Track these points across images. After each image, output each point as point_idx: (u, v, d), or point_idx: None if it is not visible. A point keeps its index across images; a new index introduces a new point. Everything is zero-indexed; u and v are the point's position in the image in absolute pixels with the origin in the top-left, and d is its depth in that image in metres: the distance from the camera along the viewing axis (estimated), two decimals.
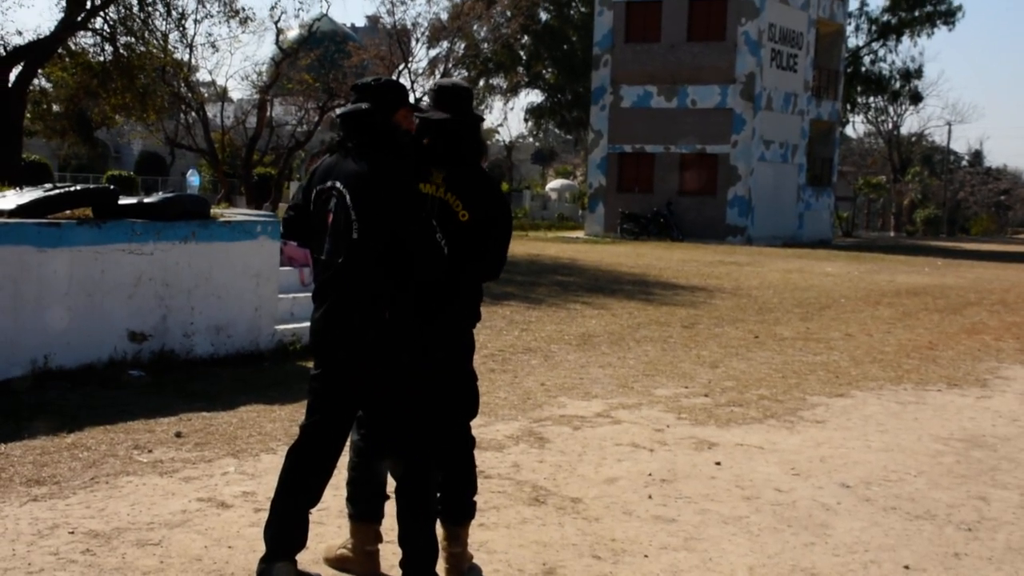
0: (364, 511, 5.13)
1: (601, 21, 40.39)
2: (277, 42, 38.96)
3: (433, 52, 42.73)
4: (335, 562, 5.19)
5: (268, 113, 38.57)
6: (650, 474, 7.10)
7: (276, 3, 37.75)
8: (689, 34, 38.68)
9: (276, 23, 38.14)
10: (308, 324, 10.97)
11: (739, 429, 8.58)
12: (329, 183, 4.77)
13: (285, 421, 8.11)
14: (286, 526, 4.77)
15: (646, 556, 5.57)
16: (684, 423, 8.61)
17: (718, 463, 7.49)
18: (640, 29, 39.41)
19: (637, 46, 39.41)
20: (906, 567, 5.58)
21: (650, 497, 6.56)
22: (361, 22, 61.89)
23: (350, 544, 5.18)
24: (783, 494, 6.80)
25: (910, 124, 71.26)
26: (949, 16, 64.89)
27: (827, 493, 6.86)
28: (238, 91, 55.29)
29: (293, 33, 41.83)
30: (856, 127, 77.31)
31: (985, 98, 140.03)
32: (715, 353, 12.19)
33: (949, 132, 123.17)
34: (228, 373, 9.91)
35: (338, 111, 5.51)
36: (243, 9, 33.73)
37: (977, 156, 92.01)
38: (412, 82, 40.65)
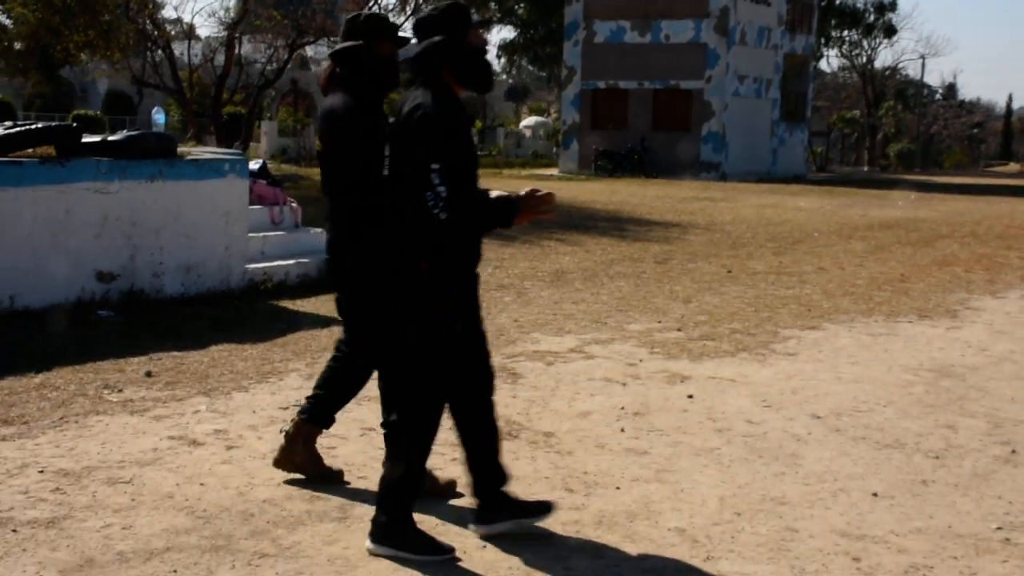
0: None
1: None
2: None
3: None
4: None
5: (236, 51, 38.13)
6: (623, 408, 7.15)
7: None
8: None
9: None
10: (279, 263, 11.06)
11: (711, 362, 8.64)
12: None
13: (256, 360, 8.12)
14: None
15: (618, 488, 5.61)
16: (657, 357, 8.66)
17: (690, 396, 7.55)
18: None
19: None
20: (874, 495, 5.63)
21: (622, 430, 6.61)
22: None
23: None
24: (754, 426, 6.86)
25: (884, 58, 71.82)
26: None
27: (798, 424, 6.92)
28: (205, 28, 54.64)
29: None
30: (830, 61, 77.21)
31: (958, 31, 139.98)
32: (688, 288, 12.23)
33: (923, 66, 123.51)
34: (198, 312, 9.88)
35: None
36: None
37: (951, 89, 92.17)
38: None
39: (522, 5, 55.12)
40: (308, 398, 5.60)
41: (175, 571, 4.42)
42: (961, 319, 11.00)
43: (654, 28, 38.43)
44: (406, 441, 4.75)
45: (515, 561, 4.64)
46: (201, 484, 5.45)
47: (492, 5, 54.25)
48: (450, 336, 4.69)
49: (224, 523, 4.92)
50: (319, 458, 5.57)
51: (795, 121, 44.10)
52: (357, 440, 6.28)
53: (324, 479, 5.50)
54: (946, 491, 5.76)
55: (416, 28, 4.70)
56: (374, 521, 4.68)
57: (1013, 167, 70.20)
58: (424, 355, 4.71)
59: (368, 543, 4.67)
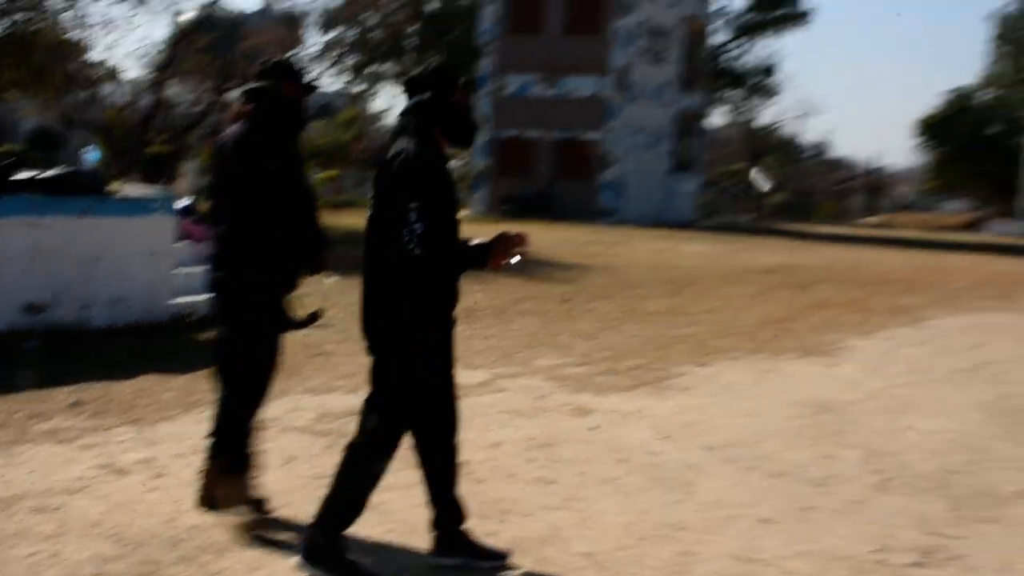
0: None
1: (486, 12, 40.48)
2: (172, 23, 38.02)
3: (326, 38, 42.18)
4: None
5: (163, 93, 37.62)
6: (532, 439, 7.16)
7: None
8: (568, 28, 38.98)
9: (172, 5, 37.27)
10: (204, 297, 10.81)
11: (614, 396, 8.69)
12: None
13: (182, 390, 7.97)
14: None
15: (528, 515, 5.61)
16: (563, 391, 8.69)
17: (594, 428, 7.58)
18: (523, 21, 39.60)
19: (520, 37, 39.59)
20: (764, 520, 5.72)
21: (532, 461, 6.61)
22: (257, 6, 60.72)
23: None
24: (653, 456, 6.91)
25: (766, 116, 73.43)
26: (801, 18, 66.50)
27: (693, 455, 6.98)
28: (134, 70, 53.77)
29: (189, 15, 40.84)
30: (718, 118, 78.56)
31: (832, 94, 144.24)
32: (591, 326, 12.32)
33: (800, 124, 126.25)
34: (125, 344, 9.68)
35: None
36: None
37: (824, 147, 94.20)
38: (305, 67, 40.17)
39: (436, 57, 55.34)
40: (210, 435, 5.48)
41: None
42: (837, 357, 11.21)
43: (560, 83, 38.97)
44: (362, 470, 4.69)
45: None
46: (129, 512, 5.32)
47: (408, 57, 54.35)
48: (428, 380, 4.66)
49: (152, 550, 4.80)
50: (244, 490, 5.43)
51: (686, 172, 44.77)
52: (279, 469, 6.18)
53: (248, 508, 5.37)
54: (827, 517, 5.85)
55: (407, 84, 4.71)
56: (309, 539, 4.61)
57: (877, 219, 72.08)
58: (402, 395, 4.67)
59: (299, 559, 4.59)
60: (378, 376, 4.70)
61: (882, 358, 11.39)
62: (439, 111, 4.59)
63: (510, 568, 4.87)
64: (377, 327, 4.63)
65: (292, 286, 5.44)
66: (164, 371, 8.62)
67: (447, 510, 4.88)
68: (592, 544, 5.24)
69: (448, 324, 4.75)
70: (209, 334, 10.20)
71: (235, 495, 5.36)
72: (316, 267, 5.61)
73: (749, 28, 66.28)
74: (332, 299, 12.59)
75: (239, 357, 5.32)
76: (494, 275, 16.88)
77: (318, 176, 49.05)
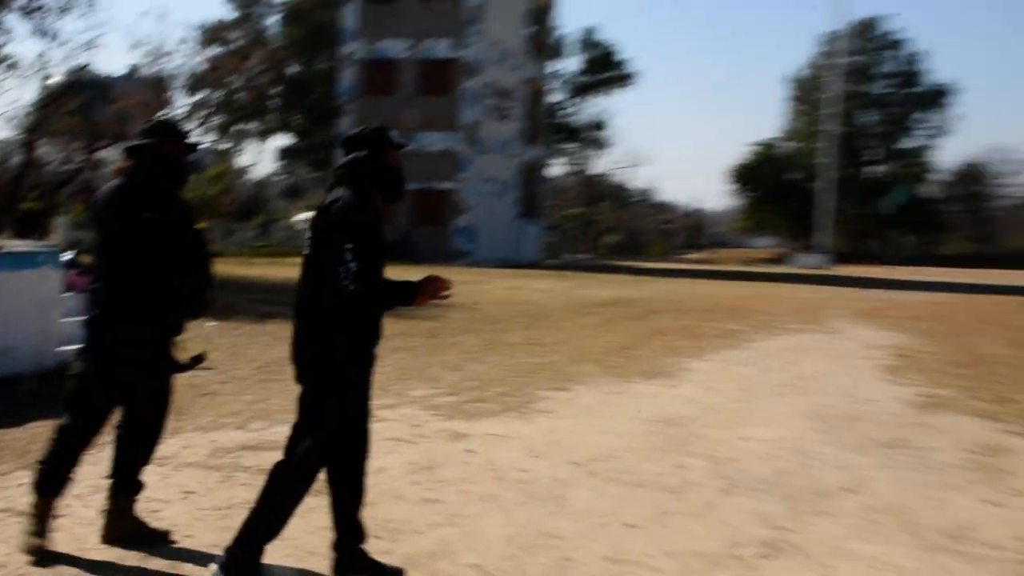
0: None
1: (345, 76, 40.38)
2: (42, 87, 36.61)
3: (192, 100, 41.32)
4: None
5: (33, 153, 36.20)
6: (414, 463, 7.12)
7: (43, 52, 35.63)
8: (421, 89, 39.22)
9: (41, 70, 35.86)
10: None
11: (484, 421, 8.71)
12: None
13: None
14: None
15: (419, 533, 5.60)
16: (438, 419, 8.65)
17: (470, 451, 7.58)
18: (379, 84, 39.67)
19: (376, 98, 39.60)
20: (629, 525, 5.83)
21: (416, 483, 6.58)
22: (125, 70, 58.98)
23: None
24: (526, 473, 6.96)
25: (599, 165, 74.91)
26: (627, 79, 68.50)
27: (560, 470, 7.05)
28: (3, 132, 51.53)
29: (57, 79, 39.43)
30: (557, 168, 79.98)
31: (657, 145, 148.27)
32: (457, 358, 12.32)
33: (629, 172, 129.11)
34: (15, 393, 9.25)
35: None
36: (8, 56, 31.57)
37: (651, 192, 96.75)
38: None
39: (299, 117, 54.80)
40: (110, 476, 5.35)
41: None
42: (677, 378, 11.45)
43: (415, 139, 39.07)
44: (286, 491, 4.66)
45: None
46: None
47: (272, 116, 53.66)
48: (349, 408, 4.69)
49: None
50: (142, 523, 5.34)
51: (531, 216, 45.34)
52: (179, 503, 6.02)
53: (152, 541, 5.25)
54: (684, 519, 6.01)
55: (345, 142, 4.79)
56: (229, 552, 4.54)
57: (699, 255, 74.17)
58: (334, 425, 4.67)
59: (214, 567, 4.53)
60: (310, 405, 4.68)
61: (716, 377, 11.68)
62: (374, 168, 4.68)
63: None
64: (310, 360, 4.64)
65: (176, 332, 5.35)
66: (54, 417, 8.25)
67: (351, 531, 4.87)
68: (479, 556, 5.26)
69: (372, 358, 4.80)
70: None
71: (137, 529, 5.28)
72: (197, 314, 5.56)
73: (582, 88, 67.99)
74: (213, 342, 12.38)
75: (136, 402, 5.28)
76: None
77: None
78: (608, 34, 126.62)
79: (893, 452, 7.98)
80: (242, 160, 64.07)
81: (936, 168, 74.71)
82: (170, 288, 5.16)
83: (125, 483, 5.30)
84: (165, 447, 6.16)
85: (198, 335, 13.10)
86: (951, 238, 77.49)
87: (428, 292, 4.71)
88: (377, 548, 5.17)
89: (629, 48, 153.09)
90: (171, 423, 5.83)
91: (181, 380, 9.00)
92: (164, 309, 5.16)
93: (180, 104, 40.38)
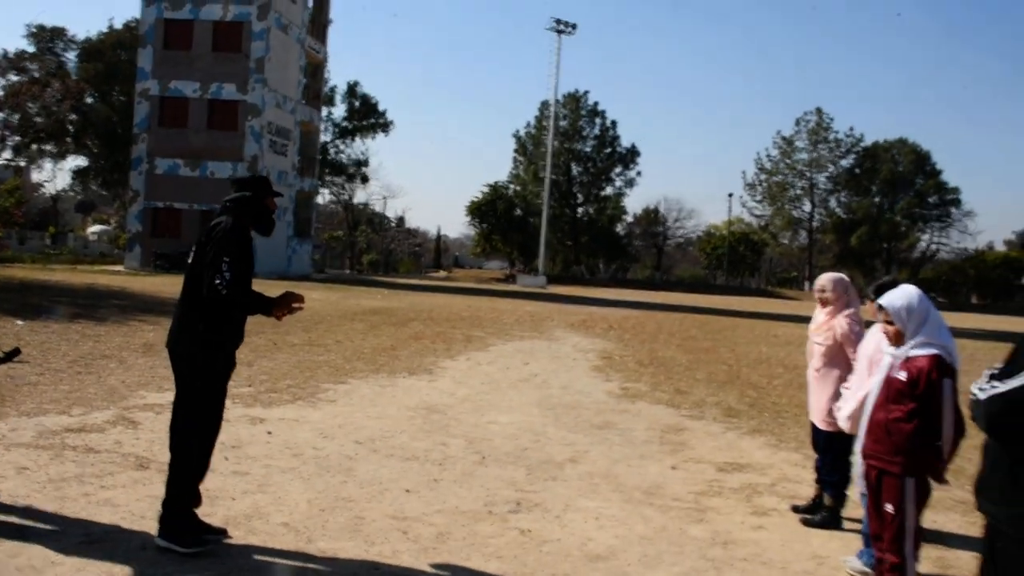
0: None
1: (140, 108, 38.21)
2: None
3: None
4: None
5: None
6: (222, 443, 6.91)
7: None
8: (209, 124, 37.75)
9: None
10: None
11: (279, 408, 8.63)
12: None
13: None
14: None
15: (233, 499, 5.58)
16: (238, 406, 8.47)
17: (269, 432, 7.52)
18: (171, 117, 37.89)
19: (168, 130, 37.75)
20: (407, 490, 6.02)
21: (226, 459, 6.49)
22: None
23: None
24: (319, 450, 7.00)
25: (360, 196, 74.38)
26: (386, 126, 68.55)
27: (347, 448, 7.15)
28: None
29: None
30: (326, 196, 78.62)
31: (410, 180, 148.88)
32: (248, 356, 11.97)
33: (385, 203, 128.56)
34: None
35: None
36: None
37: (402, 220, 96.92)
38: None
39: (94, 141, 51.24)
40: None
41: None
42: (434, 374, 11.68)
43: (203, 166, 37.52)
44: (180, 463, 4.75)
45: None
46: None
47: (68, 140, 49.87)
48: (209, 377, 4.78)
49: None
50: None
51: (303, 237, 44.51)
52: (16, 477, 5.70)
53: None
54: (450, 485, 6.25)
55: (234, 182, 4.92)
56: (160, 520, 4.68)
57: (442, 274, 75.11)
58: (199, 401, 4.78)
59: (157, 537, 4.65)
60: (178, 387, 4.83)
61: (465, 373, 11.99)
62: (252, 206, 4.84)
63: (229, 538, 4.88)
64: (179, 346, 4.75)
65: None
66: None
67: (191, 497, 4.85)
68: (287, 516, 5.31)
69: (230, 353, 4.90)
70: None
71: None
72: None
73: (347, 131, 67.34)
74: (25, 339, 11.53)
75: None
76: (161, 316, 16.08)
77: None
78: (370, 87, 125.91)
79: (603, 432, 8.55)
80: (37, 176, 59.12)
81: (626, 211, 79.30)
82: None
83: None
84: None
85: (8, 332, 12.16)
86: (637, 267, 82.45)
87: (283, 304, 4.84)
88: (201, 512, 5.13)
89: (387, 100, 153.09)
90: None
91: (1, 372, 8.46)
92: None
93: None
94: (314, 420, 8.18)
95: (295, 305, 4.90)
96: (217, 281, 4.54)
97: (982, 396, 2.89)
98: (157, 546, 4.62)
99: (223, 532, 4.91)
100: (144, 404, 8.31)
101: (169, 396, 8.64)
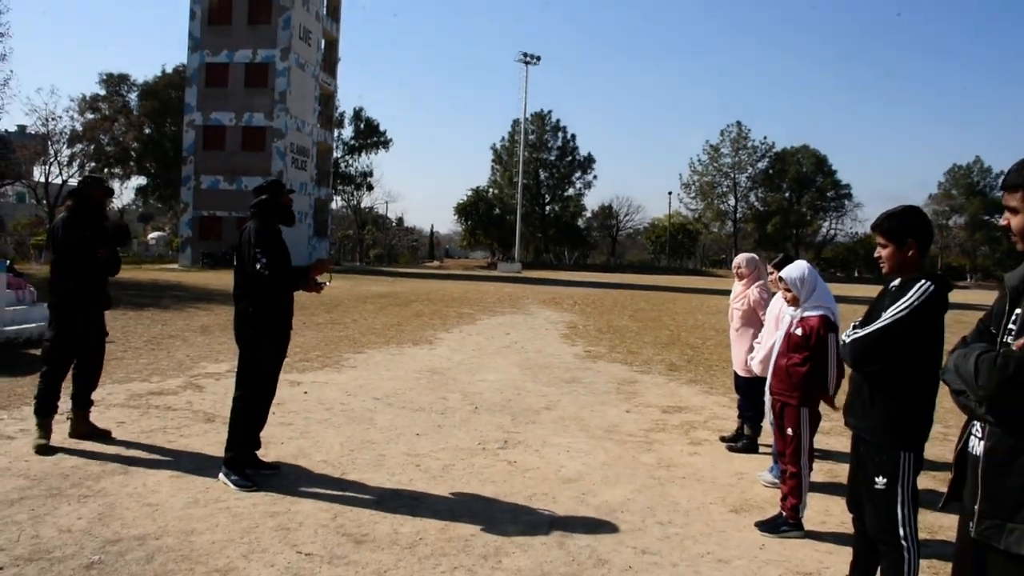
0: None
1: (187, 136, 38.09)
2: None
3: (71, 151, 37.87)
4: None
5: None
6: None
7: None
8: (243, 146, 37.60)
9: None
10: (25, 326, 9.69)
11: (311, 373, 8.76)
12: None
13: (29, 385, 7.16)
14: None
15: (282, 443, 5.74)
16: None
17: (305, 392, 7.67)
18: (212, 142, 37.83)
19: (211, 152, 37.70)
20: (417, 434, 6.20)
21: (274, 413, 6.42)
22: (15, 128, 52.51)
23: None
24: (345, 406, 7.16)
25: (367, 201, 74.02)
26: (386, 143, 68.09)
27: (368, 403, 7.30)
28: None
29: None
30: (338, 202, 77.89)
31: (407, 186, 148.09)
32: None
33: (387, 206, 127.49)
34: None
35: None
36: None
37: (401, 220, 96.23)
38: (60, 172, 36.63)
39: (152, 164, 51.04)
40: (72, 396, 5.64)
41: (32, 509, 4.09)
42: (434, 343, 11.81)
43: (238, 181, 37.41)
44: (241, 409, 4.86)
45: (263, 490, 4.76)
46: (25, 461, 4.93)
47: (132, 164, 49.56)
48: (260, 352, 4.85)
49: (52, 481, 4.56)
50: (92, 425, 5.61)
51: (320, 236, 44.29)
52: (117, 429, 5.84)
53: (99, 437, 5.53)
54: (451, 429, 6.43)
55: (256, 189, 5.02)
56: (224, 461, 4.81)
57: (436, 263, 74.84)
58: (251, 370, 4.86)
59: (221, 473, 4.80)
60: (240, 357, 4.93)
61: (459, 342, 12.12)
62: (272, 205, 4.94)
63: (281, 471, 5.08)
64: (238, 327, 4.88)
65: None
66: (11, 376, 7.66)
67: (253, 443, 5.05)
68: (325, 455, 5.49)
69: (277, 334, 4.97)
70: (35, 350, 9.18)
71: (89, 430, 5.57)
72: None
73: (354, 148, 66.79)
74: (110, 324, 11.59)
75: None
76: (212, 304, 16.14)
77: None
78: (372, 111, 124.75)
79: (571, 385, 8.76)
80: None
81: (585, 208, 79.34)
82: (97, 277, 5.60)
83: (82, 402, 5.57)
84: (96, 395, 5.99)
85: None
86: (595, 253, 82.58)
87: (318, 268, 5.01)
88: (259, 454, 5.32)
89: (386, 119, 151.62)
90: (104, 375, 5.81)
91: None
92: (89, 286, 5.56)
93: (63, 154, 36.96)
94: (340, 382, 8.33)
95: (328, 268, 5.10)
96: (259, 267, 4.72)
97: (847, 340, 3.17)
98: (222, 479, 4.82)
99: (276, 467, 5.12)
100: (206, 373, 8.47)
101: (225, 366, 8.95)
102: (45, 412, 5.34)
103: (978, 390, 2.05)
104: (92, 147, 38.82)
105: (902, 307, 2.98)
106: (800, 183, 76.68)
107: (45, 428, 5.30)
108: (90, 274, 5.49)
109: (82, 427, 5.57)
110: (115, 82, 50.46)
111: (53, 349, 5.40)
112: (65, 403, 5.68)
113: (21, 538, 3.76)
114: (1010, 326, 2.14)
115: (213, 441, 5.70)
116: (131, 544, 3.78)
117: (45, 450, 5.14)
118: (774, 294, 5.45)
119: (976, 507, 2.13)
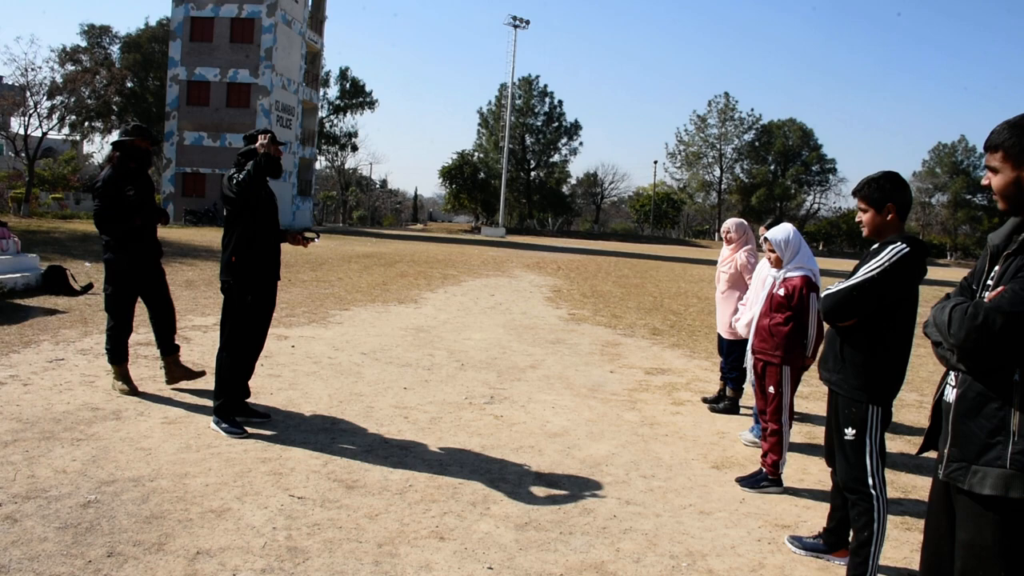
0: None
1: (171, 91, 37.32)
2: None
3: (50, 103, 37.06)
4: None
5: None
6: None
7: None
8: (228, 103, 36.95)
9: None
10: (9, 276, 9.59)
11: (298, 328, 8.78)
12: None
13: (16, 335, 7.15)
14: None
15: (271, 394, 5.77)
16: None
17: (293, 346, 7.71)
18: (196, 98, 37.12)
19: (195, 108, 37.02)
20: (405, 388, 6.28)
21: (262, 365, 6.64)
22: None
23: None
24: (333, 359, 7.22)
25: (351, 162, 73.07)
26: (372, 104, 67.22)
27: (355, 358, 7.36)
28: None
29: None
30: (322, 162, 77.12)
31: (392, 148, 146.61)
32: None
33: (371, 167, 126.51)
34: None
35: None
36: None
37: (385, 182, 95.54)
38: (39, 124, 35.78)
39: (135, 118, 50.03)
40: (158, 347, 5.78)
41: (27, 451, 4.13)
42: (420, 303, 11.85)
43: (222, 138, 36.84)
44: (225, 357, 4.87)
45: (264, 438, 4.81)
46: (17, 405, 4.95)
47: (114, 118, 48.60)
48: (244, 303, 4.85)
49: (45, 424, 4.60)
50: (185, 367, 5.79)
51: (304, 195, 43.85)
52: (105, 378, 5.87)
53: (195, 376, 5.77)
54: (438, 384, 6.52)
55: (245, 138, 4.96)
56: (214, 409, 4.86)
57: (420, 226, 74.51)
58: (233, 320, 4.87)
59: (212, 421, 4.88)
60: (223, 308, 4.94)
61: (445, 302, 12.17)
62: (251, 150, 4.94)
63: (272, 419, 5.15)
64: (222, 277, 4.90)
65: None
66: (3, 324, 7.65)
67: (241, 391, 5.10)
68: (314, 406, 5.55)
69: (260, 280, 4.96)
70: (27, 300, 9.11)
71: (180, 371, 5.74)
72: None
73: (340, 108, 65.91)
74: (93, 276, 11.49)
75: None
76: (195, 260, 16.03)
77: (49, 197, 43.08)
78: (358, 71, 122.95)
79: (556, 346, 8.86)
80: (88, 148, 57.66)
81: (570, 175, 79.14)
82: (134, 227, 5.57)
83: (167, 348, 5.70)
84: (84, 344, 6.01)
85: (80, 272, 12.08)
86: (580, 221, 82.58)
87: (292, 237, 5.16)
88: (248, 401, 5.36)
89: (372, 81, 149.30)
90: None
91: (80, 301, 8.48)
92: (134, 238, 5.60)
93: (42, 106, 36.22)
94: (327, 337, 8.36)
95: (305, 236, 5.32)
96: (232, 181, 4.81)
97: (823, 294, 3.28)
98: (212, 427, 4.88)
99: (267, 415, 5.18)
100: (192, 326, 8.46)
101: (211, 320, 8.95)
102: (117, 359, 5.51)
103: (950, 338, 2.14)
104: (73, 99, 38.04)
105: (875, 266, 3.09)
106: (786, 156, 76.86)
107: (123, 376, 5.50)
108: (138, 225, 5.50)
109: (176, 371, 5.74)
110: (97, 34, 49.37)
111: (111, 302, 5.51)
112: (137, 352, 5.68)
113: (17, 477, 3.81)
114: (988, 281, 2.24)
115: (203, 391, 5.74)
116: (126, 485, 3.84)
117: (130, 393, 5.46)
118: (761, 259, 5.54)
119: (945, 451, 2.24)
